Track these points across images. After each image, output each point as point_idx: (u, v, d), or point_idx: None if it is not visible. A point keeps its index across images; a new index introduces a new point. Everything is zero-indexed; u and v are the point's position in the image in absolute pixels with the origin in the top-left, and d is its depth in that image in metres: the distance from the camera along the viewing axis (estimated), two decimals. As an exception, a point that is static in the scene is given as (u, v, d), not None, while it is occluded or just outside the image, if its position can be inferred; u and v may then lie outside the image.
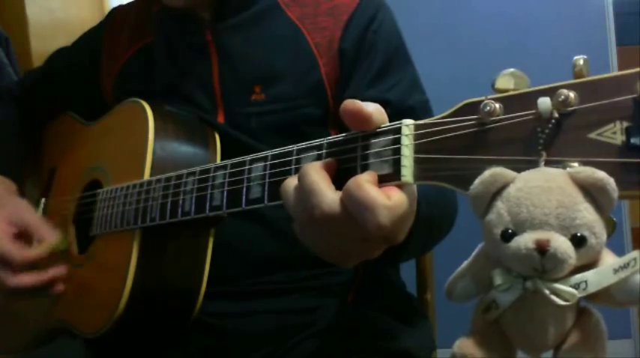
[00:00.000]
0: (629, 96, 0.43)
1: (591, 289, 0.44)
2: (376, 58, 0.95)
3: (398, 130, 0.55)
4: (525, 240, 0.44)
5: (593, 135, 0.44)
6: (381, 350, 0.90)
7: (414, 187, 0.56)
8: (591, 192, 0.44)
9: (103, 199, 0.93)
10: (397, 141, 0.54)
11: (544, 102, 0.46)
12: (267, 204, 0.65)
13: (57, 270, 0.94)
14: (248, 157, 0.69)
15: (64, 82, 1.16)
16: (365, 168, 0.56)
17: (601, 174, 0.43)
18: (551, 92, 0.46)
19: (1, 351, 1.08)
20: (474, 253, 0.52)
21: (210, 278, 0.88)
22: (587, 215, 0.44)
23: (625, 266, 0.44)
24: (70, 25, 2.14)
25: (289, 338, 0.92)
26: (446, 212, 0.86)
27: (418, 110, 0.92)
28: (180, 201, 0.77)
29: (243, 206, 0.68)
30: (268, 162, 0.66)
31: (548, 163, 0.46)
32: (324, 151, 0.60)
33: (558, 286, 0.45)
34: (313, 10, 0.98)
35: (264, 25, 0.98)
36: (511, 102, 0.49)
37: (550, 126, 0.46)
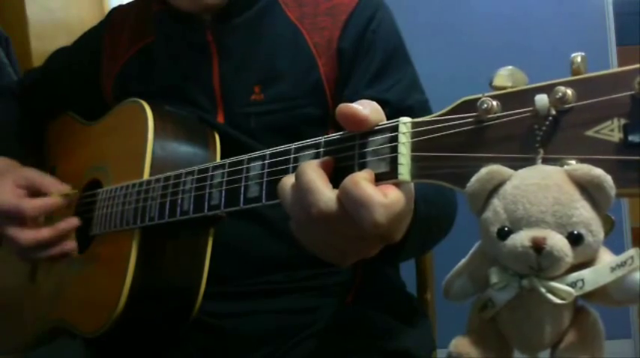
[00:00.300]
0: (627, 93, 0.43)
1: (588, 287, 0.44)
2: (375, 58, 0.95)
3: (395, 128, 0.55)
4: (521, 238, 0.44)
5: (590, 133, 0.44)
6: (381, 350, 0.90)
7: (412, 185, 0.56)
8: (588, 189, 0.44)
9: (103, 199, 0.93)
10: (394, 139, 0.54)
11: (541, 100, 0.46)
12: (264, 203, 0.65)
13: (69, 221, 0.95)
14: (246, 156, 0.69)
15: (64, 82, 1.16)
16: (362, 167, 0.56)
17: (598, 172, 0.43)
18: (548, 89, 0.46)
19: (1, 351, 1.08)
20: (470, 251, 0.52)
21: (210, 278, 0.88)
22: (584, 213, 0.44)
23: (622, 264, 0.44)
24: (70, 25, 2.14)
25: (289, 338, 0.92)
26: (445, 211, 0.85)
27: (417, 110, 0.92)
28: (179, 201, 0.77)
29: (241, 205, 0.68)
30: (266, 161, 0.66)
31: (545, 161, 0.46)
32: (321, 150, 0.60)
33: (555, 284, 0.44)
34: (312, 9, 0.98)
35: (265, 25, 0.98)
36: (508, 99, 0.48)
37: (547, 123, 0.46)
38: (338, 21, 0.96)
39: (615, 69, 0.44)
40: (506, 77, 0.49)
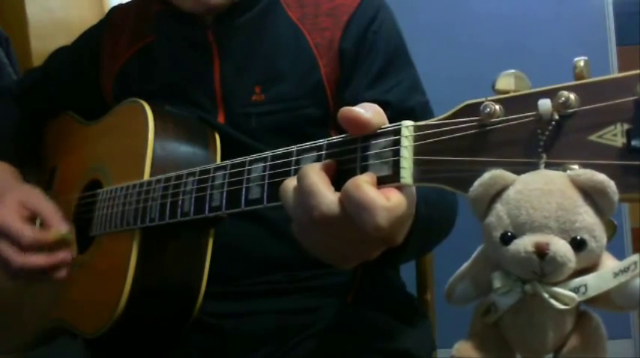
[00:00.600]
0: (630, 98, 0.43)
1: (591, 293, 0.44)
2: (376, 59, 0.95)
3: (398, 131, 0.55)
4: (525, 243, 0.44)
5: (593, 138, 0.44)
6: (381, 350, 0.90)
7: (413, 189, 0.56)
8: (592, 195, 0.44)
9: (103, 199, 0.93)
10: (397, 142, 0.54)
11: (544, 104, 0.46)
12: (266, 205, 0.65)
13: (64, 254, 0.93)
14: (248, 158, 0.69)
15: (64, 82, 1.16)
16: (364, 169, 0.56)
17: (601, 177, 0.43)
18: (551, 93, 0.46)
19: (1, 351, 1.08)
20: (473, 255, 0.52)
21: (210, 278, 0.88)
22: (587, 218, 0.44)
23: (625, 270, 0.44)
24: (70, 25, 2.14)
25: (289, 339, 0.92)
26: (445, 214, 0.85)
27: (418, 111, 0.92)
28: (180, 202, 0.77)
29: (243, 206, 0.68)
30: (268, 163, 0.66)
31: (548, 165, 0.45)
32: (323, 152, 0.60)
33: (558, 290, 0.44)
34: (314, 10, 0.98)
35: (266, 25, 0.98)
36: (511, 103, 0.48)
37: (550, 128, 0.45)
38: (339, 22, 0.96)
39: (619, 74, 0.44)
40: (509, 80, 0.49)
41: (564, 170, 0.45)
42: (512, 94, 0.49)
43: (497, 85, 0.49)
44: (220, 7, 0.95)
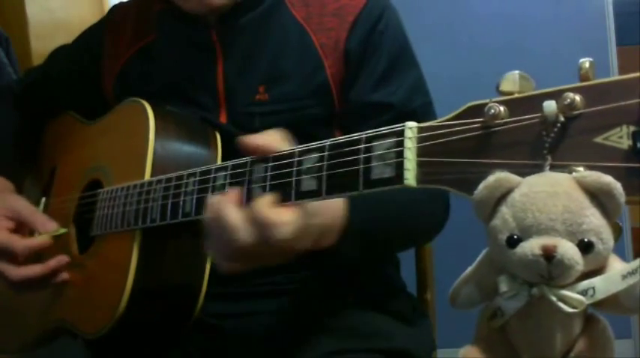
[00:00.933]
0: (636, 100, 0.42)
1: (599, 296, 0.44)
2: (381, 59, 0.95)
3: (401, 133, 0.54)
4: (531, 246, 0.44)
5: (599, 140, 0.44)
6: (381, 350, 0.90)
7: (309, 205, 0.63)
8: (598, 196, 0.43)
9: (104, 199, 0.92)
10: (400, 143, 0.54)
11: (549, 106, 0.45)
12: None
13: (59, 259, 0.94)
14: (249, 159, 0.68)
15: (65, 81, 1.15)
16: (367, 171, 0.56)
17: (608, 179, 0.43)
18: (556, 95, 0.46)
19: (1, 351, 1.08)
20: (477, 259, 0.52)
21: (211, 279, 0.87)
22: (594, 220, 0.44)
23: (633, 272, 0.44)
24: (70, 25, 2.14)
25: (289, 339, 0.91)
26: (414, 211, 0.87)
27: (421, 113, 0.92)
28: (181, 202, 0.77)
29: (244, 207, 0.68)
30: (269, 164, 0.65)
31: (553, 167, 0.45)
32: (326, 153, 0.60)
33: (566, 293, 0.44)
34: (319, 10, 0.97)
35: (270, 25, 0.98)
36: (516, 105, 0.48)
37: (555, 129, 0.45)
38: (345, 22, 0.95)
39: (624, 76, 0.44)
40: (513, 82, 0.49)
41: (570, 172, 0.44)
42: (516, 96, 0.48)
43: (501, 86, 0.49)
44: (223, 7, 0.95)
